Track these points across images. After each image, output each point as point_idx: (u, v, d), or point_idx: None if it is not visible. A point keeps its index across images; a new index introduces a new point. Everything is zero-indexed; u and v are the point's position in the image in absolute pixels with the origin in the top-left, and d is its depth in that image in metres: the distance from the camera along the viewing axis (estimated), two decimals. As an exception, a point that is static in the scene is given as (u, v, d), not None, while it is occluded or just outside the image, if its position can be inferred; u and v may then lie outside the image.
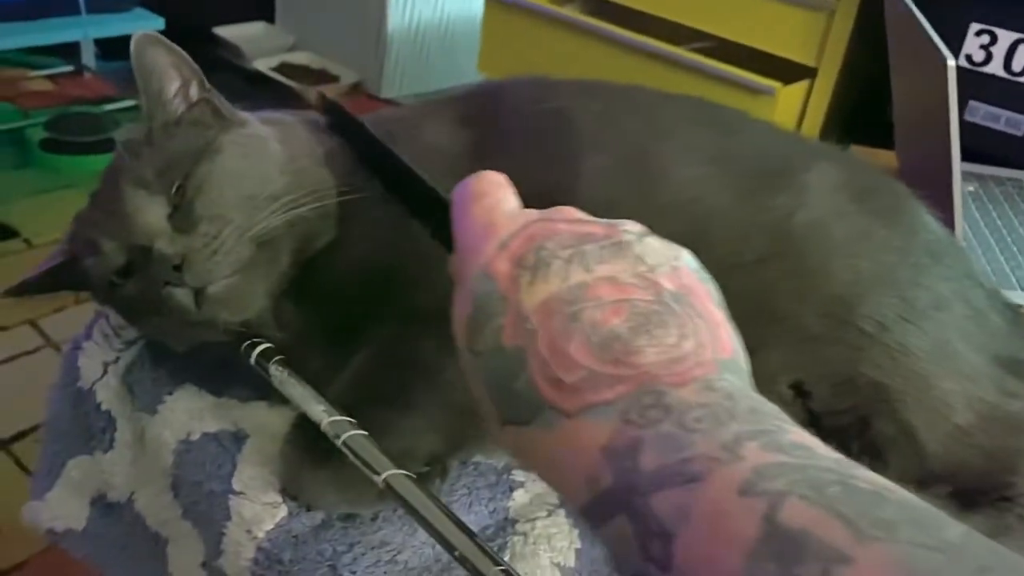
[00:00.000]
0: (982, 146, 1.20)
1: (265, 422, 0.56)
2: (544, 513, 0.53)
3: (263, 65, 2.84)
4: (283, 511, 0.51)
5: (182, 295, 0.50)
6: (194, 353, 0.56)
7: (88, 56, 2.68)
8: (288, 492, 0.52)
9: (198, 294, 0.50)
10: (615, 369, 0.30)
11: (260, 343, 0.53)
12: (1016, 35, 1.28)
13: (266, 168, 0.55)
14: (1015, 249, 0.97)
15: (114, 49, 2.70)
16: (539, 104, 0.63)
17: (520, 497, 0.54)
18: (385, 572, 0.49)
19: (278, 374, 0.51)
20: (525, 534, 0.51)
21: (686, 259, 0.34)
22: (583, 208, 0.37)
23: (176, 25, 2.45)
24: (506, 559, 0.46)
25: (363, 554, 0.49)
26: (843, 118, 1.65)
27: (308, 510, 0.51)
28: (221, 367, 0.57)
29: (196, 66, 0.57)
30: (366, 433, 0.47)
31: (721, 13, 1.67)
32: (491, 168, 0.40)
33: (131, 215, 0.52)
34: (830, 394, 0.54)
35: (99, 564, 0.65)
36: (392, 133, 0.52)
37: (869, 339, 0.55)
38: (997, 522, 0.51)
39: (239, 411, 0.57)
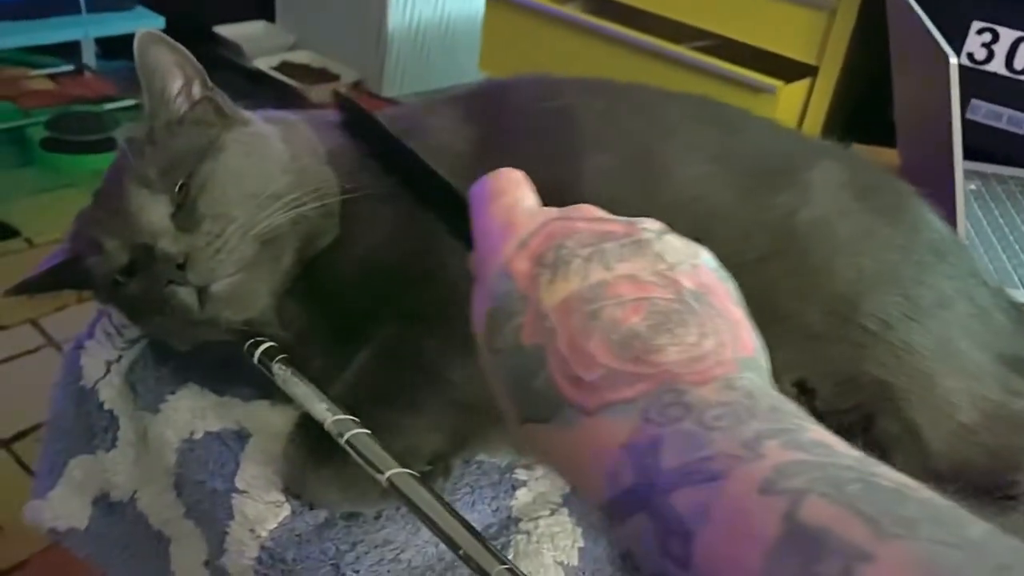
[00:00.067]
0: (984, 144, 1.20)
1: (268, 421, 0.56)
2: (547, 512, 0.53)
3: (264, 64, 2.84)
4: (286, 510, 0.51)
5: (185, 294, 0.50)
6: (197, 352, 0.56)
7: (89, 55, 2.68)
8: (291, 491, 0.52)
9: (201, 293, 0.50)
10: (635, 367, 0.30)
11: (263, 342, 0.53)
12: (1018, 33, 1.28)
13: (269, 166, 0.54)
14: (1017, 247, 0.97)
15: (115, 48, 2.70)
16: (542, 102, 0.63)
17: (523, 496, 0.54)
18: (388, 571, 0.49)
19: (281, 373, 0.51)
20: (528, 533, 0.51)
21: (705, 257, 0.34)
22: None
23: (176, 24, 2.45)
24: (509, 558, 0.46)
25: (366, 553, 0.49)
26: (845, 116, 1.64)
27: (311, 509, 0.51)
28: (224, 366, 0.57)
29: (199, 65, 0.57)
30: (369, 432, 0.47)
31: (722, 12, 1.67)
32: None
33: (134, 214, 0.52)
34: (834, 393, 0.54)
35: (101, 563, 0.65)
36: (395, 131, 0.52)
37: (873, 337, 0.54)
38: (1001, 520, 0.50)
39: (242, 410, 0.57)
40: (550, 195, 0.39)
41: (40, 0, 2.53)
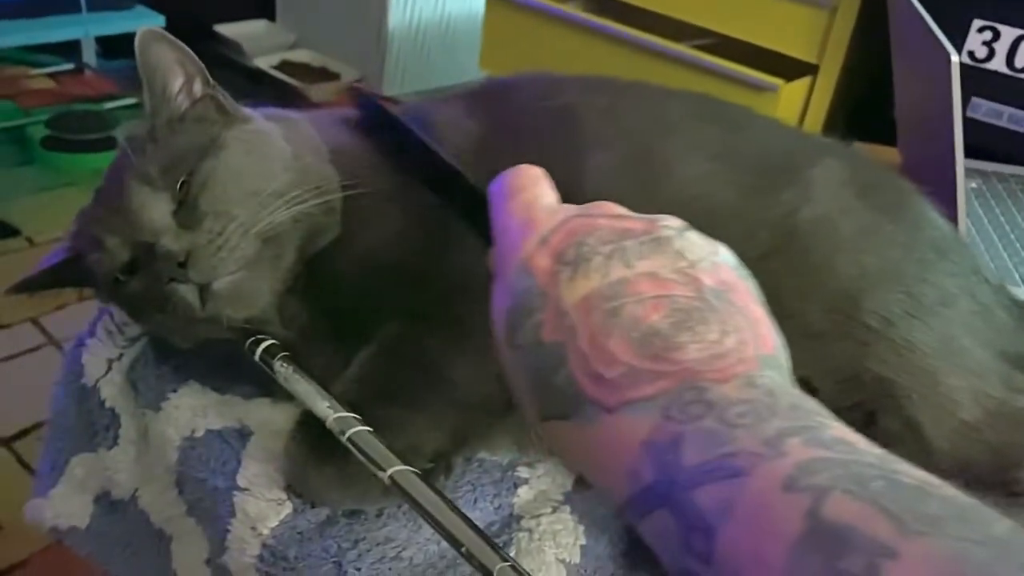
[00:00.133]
0: (985, 143, 1.20)
1: (270, 419, 0.56)
2: (549, 510, 0.53)
3: (264, 63, 2.84)
4: (288, 508, 0.51)
5: (186, 291, 0.50)
6: (198, 350, 0.56)
7: (89, 54, 2.68)
8: (293, 488, 0.52)
9: (203, 290, 0.50)
10: (656, 365, 0.30)
11: (265, 339, 0.53)
12: (1019, 31, 1.28)
13: (270, 164, 0.54)
14: (1018, 245, 0.97)
15: (115, 47, 2.71)
16: (544, 101, 0.63)
17: (525, 494, 0.54)
18: (390, 568, 0.49)
19: (283, 370, 0.51)
20: (530, 530, 0.51)
21: (725, 255, 0.34)
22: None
23: (177, 23, 2.45)
24: (511, 555, 0.46)
25: (368, 550, 0.49)
26: (845, 115, 1.64)
27: (313, 506, 0.51)
28: (225, 364, 0.57)
29: (200, 62, 0.57)
30: (371, 429, 0.47)
31: (723, 10, 1.67)
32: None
33: (135, 211, 0.52)
34: (836, 390, 0.54)
35: (102, 562, 0.65)
36: None
37: (875, 335, 0.54)
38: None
39: (243, 408, 0.57)
40: None
41: (40, -1, 2.53)
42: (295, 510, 0.51)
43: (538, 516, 0.52)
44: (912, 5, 0.95)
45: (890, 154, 1.12)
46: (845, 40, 1.57)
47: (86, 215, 0.56)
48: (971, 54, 1.31)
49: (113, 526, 0.63)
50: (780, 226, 0.57)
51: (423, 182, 0.45)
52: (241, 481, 0.53)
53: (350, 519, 0.51)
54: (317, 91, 2.75)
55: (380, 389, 0.52)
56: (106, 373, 0.62)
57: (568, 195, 0.38)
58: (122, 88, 2.54)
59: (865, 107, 1.57)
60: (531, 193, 0.38)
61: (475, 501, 0.53)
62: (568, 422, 0.31)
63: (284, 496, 0.52)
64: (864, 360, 0.54)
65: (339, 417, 0.48)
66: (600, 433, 0.30)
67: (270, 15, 3.07)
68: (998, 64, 1.30)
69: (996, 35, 1.29)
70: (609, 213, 0.35)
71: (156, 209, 0.51)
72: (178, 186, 0.52)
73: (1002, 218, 1.03)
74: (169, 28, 0.56)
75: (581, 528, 0.52)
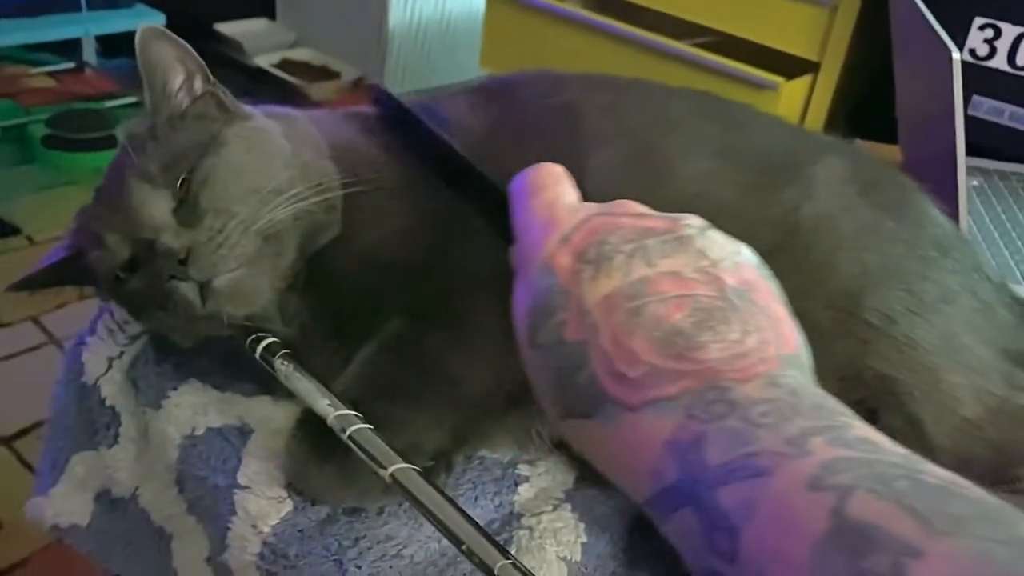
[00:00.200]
0: (986, 140, 1.20)
1: (270, 416, 0.56)
2: (550, 508, 0.53)
3: (264, 62, 2.84)
4: (288, 506, 0.51)
5: (187, 289, 0.50)
6: (199, 348, 0.56)
7: (89, 53, 2.68)
8: (294, 486, 0.52)
9: (203, 288, 0.50)
10: (678, 364, 0.30)
11: (265, 337, 0.53)
12: (1020, 29, 1.28)
13: (271, 162, 0.54)
14: (1019, 243, 0.97)
15: (115, 46, 2.71)
16: (547, 98, 0.63)
17: (526, 492, 0.54)
18: (391, 566, 0.49)
19: (283, 368, 0.51)
20: (531, 528, 0.51)
21: (747, 254, 0.34)
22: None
23: (177, 21, 2.43)
24: (512, 553, 0.46)
25: (369, 548, 0.49)
26: (847, 113, 1.64)
27: (313, 504, 0.51)
28: (226, 362, 0.57)
29: (200, 60, 0.57)
30: (372, 427, 0.47)
31: (724, 8, 1.67)
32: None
33: (136, 209, 0.52)
34: (837, 388, 0.53)
35: (103, 560, 0.65)
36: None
37: (876, 332, 0.54)
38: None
39: (244, 406, 0.57)
40: None
41: (41, -2, 2.53)
42: (296, 508, 0.51)
43: (539, 514, 0.52)
44: (913, 3, 0.95)
45: (891, 152, 1.12)
46: (846, 38, 1.57)
47: (86, 213, 0.56)
48: (972, 52, 1.31)
49: (114, 524, 0.63)
50: (782, 224, 0.57)
51: (440, 177, 0.45)
52: (242, 479, 0.53)
53: (351, 517, 0.51)
54: (317, 90, 2.75)
55: (381, 387, 0.52)
56: (106, 371, 0.62)
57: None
58: (122, 87, 2.54)
59: (866, 105, 1.57)
60: (553, 191, 0.37)
61: (476, 499, 0.53)
62: (590, 421, 0.31)
63: (285, 494, 0.52)
64: (865, 357, 0.54)
65: (340, 415, 0.48)
66: (622, 432, 0.30)
67: (270, 14, 3.06)
68: (999, 62, 1.30)
69: (998, 33, 1.29)
70: (631, 212, 0.35)
71: (156, 206, 0.51)
72: (179, 183, 0.52)
73: (1003, 216, 1.03)
74: (169, 27, 0.56)
75: (582, 526, 0.51)
